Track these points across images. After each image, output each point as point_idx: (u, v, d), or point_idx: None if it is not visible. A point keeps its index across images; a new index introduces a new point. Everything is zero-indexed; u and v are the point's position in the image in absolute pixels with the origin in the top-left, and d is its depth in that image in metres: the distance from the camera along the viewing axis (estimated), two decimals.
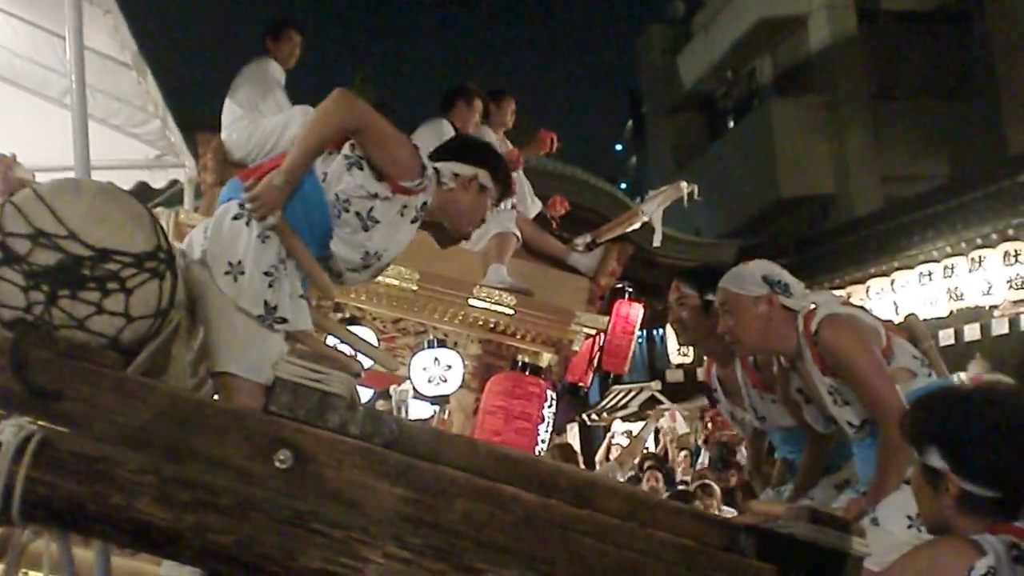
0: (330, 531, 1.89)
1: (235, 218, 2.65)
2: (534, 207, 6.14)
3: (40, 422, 1.90)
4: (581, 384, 6.27)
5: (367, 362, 4.87)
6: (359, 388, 2.49)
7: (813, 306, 3.11)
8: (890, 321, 3.31)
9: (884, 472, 2.95)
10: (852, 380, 3.00)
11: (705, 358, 4.26)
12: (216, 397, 2.63)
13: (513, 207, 5.84)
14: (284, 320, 2.66)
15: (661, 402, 14.64)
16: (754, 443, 4.02)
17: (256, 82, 5.64)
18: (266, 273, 2.62)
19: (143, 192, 6.64)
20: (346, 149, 2.76)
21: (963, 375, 5.72)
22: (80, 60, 3.87)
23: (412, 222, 2.89)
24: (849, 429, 3.10)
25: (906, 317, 3.56)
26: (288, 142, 5.06)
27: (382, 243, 2.83)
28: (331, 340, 3.36)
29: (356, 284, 3.43)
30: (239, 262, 2.60)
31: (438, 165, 2.97)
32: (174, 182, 7.02)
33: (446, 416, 5.37)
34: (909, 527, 2.77)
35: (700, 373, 15.34)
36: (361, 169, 2.74)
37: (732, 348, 3.38)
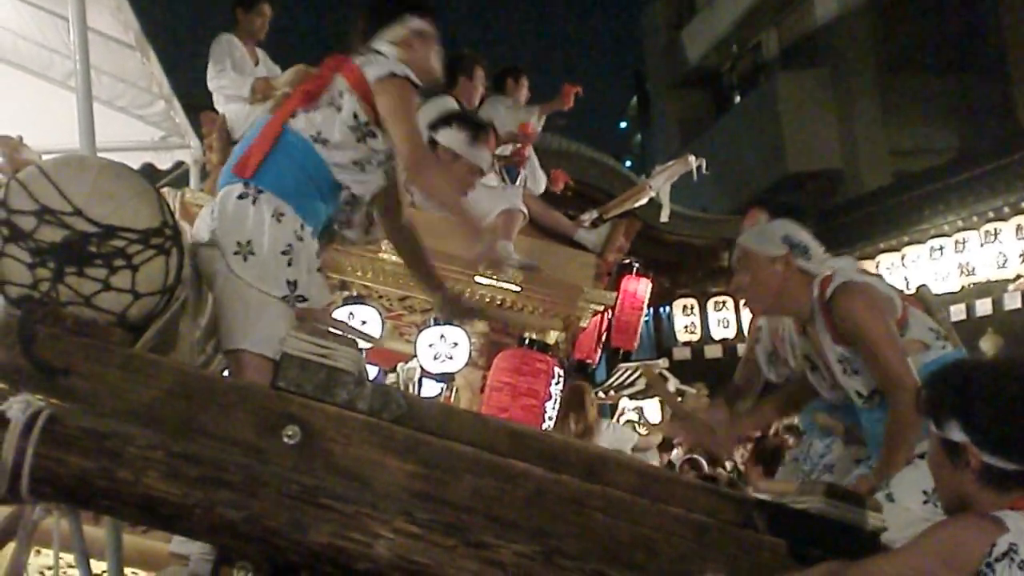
0: (339, 506, 1.89)
1: (240, 197, 2.63)
2: (542, 182, 6.11)
3: (48, 399, 1.90)
4: (589, 361, 6.26)
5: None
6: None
7: (830, 272, 3.08)
8: (903, 291, 3.26)
9: (894, 446, 2.93)
10: (864, 350, 2.97)
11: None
12: (226, 373, 2.62)
13: (525, 184, 5.83)
14: (305, 299, 2.65)
15: (668, 380, 14.63)
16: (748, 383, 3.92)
17: (215, 59, 5.63)
18: (283, 252, 2.61)
19: (149, 173, 6.63)
20: (349, 120, 2.76)
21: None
22: (84, 41, 3.86)
23: None
24: (857, 399, 3.07)
25: (918, 288, 3.52)
26: None
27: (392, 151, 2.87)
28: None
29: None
30: (248, 242, 2.58)
31: (373, 46, 2.93)
32: (180, 163, 7.01)
33: (452, 394, 5.36)
34: (925, 502, 2.74)
35: (707, 351, 15.39)
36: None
37: (745, 306, 3.34)
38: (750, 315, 3.48)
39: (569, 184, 6.50)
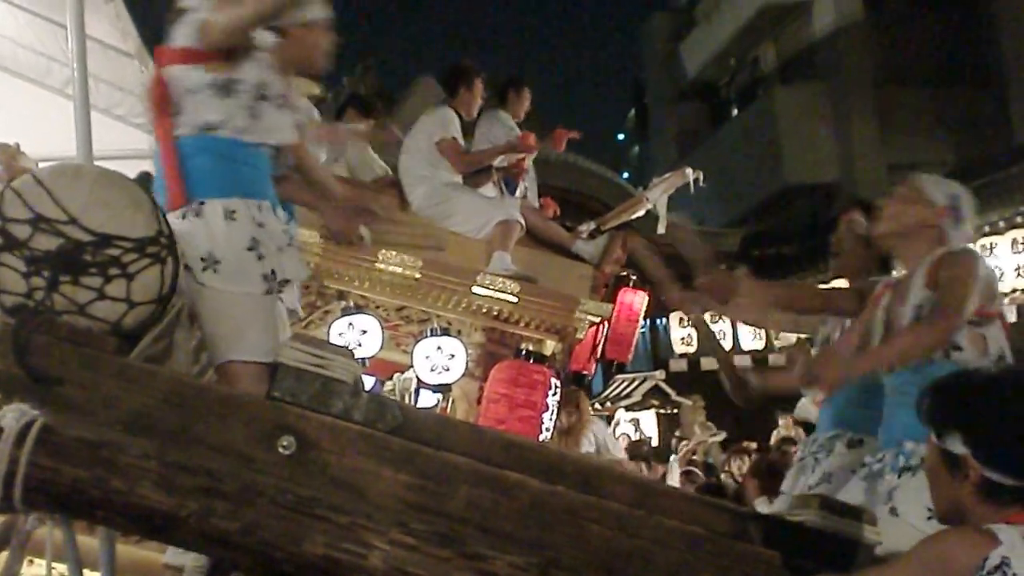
0: (334, 517, 1.88)
1: (183, 218, 2.56)
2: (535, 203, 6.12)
3: (42, 408, 1.89)
4: (585, 372, 6.26)
5: (372, 350, 4.88)
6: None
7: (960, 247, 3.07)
8: None
9: (898, 339, 2.94)
10: (945, 284, 2.95)
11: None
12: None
13: (525, 195, 5.83)
14: (286, 280, 2.63)
15: (666, 392, 14.61)
16: None
17: None
18: (249, 248, 2.56)
19: (146, 182, 6.58)
20: (206, 88, 2.65)
21: None
22: (82, 49, 3.85)
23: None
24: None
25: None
26: None
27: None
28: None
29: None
30: (209, 254, 2.52)
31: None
32: None
33: (449, 405, 5.35)
34: (929, 518, 2.72)
35: (704, 363, 15.38)
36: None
37: (874, 228, 3.30)
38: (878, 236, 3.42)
39: (557, 213, 6.50)
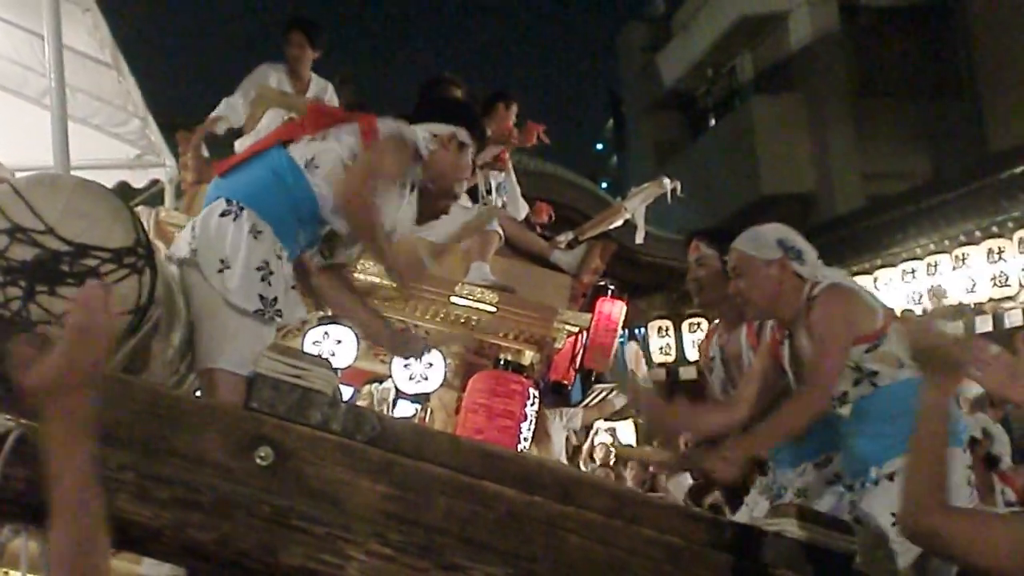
0: (311, 528, 1.87)
1: (222, 215, 2.64)
2: (522, 207, 6.12)
3: (18, 418, 1.87)
4: (565, 382, 6.27)
5: (347, 360, 4.87)
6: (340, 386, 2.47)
7: (821, 278, 3.10)
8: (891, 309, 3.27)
9: (776, 423, 3.00)
10: (814, 341, 3.01)
11: (706, 327, 4.15)
12: (198, 393, 2.60)
13: (504, 205, 5.84)
14: (280, 314, 2.66)
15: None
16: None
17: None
18: (258, 268, 2.61)
19: (124, 192, 6.60)
20: (346, 156, 2.78)
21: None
22: (59, 59, 3.85)
23: (410, 191, 2.98)
24: (833, 404, 3.07)
25: (902, 312, 3.55)
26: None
27: (389, 222, 2.89)
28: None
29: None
30: (226, 258, 2.59)
31: (416, 128, 3.00)
32: (155, 182, 6.98)
33: (427, 415, 5.35)
34: (894, 524, 2.77)
35: (682, 372, 15.42)
36: None
37: (743, 311, 3.33)
38: (747, 321, 3.45)
39: (552, 218, 6.52)
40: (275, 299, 2.62)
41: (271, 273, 2.63)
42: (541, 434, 6.17)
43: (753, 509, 3.50)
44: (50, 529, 1.41)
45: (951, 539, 2.01)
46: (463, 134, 3.07)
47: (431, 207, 3.14)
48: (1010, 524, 2.00)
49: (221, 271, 2.57)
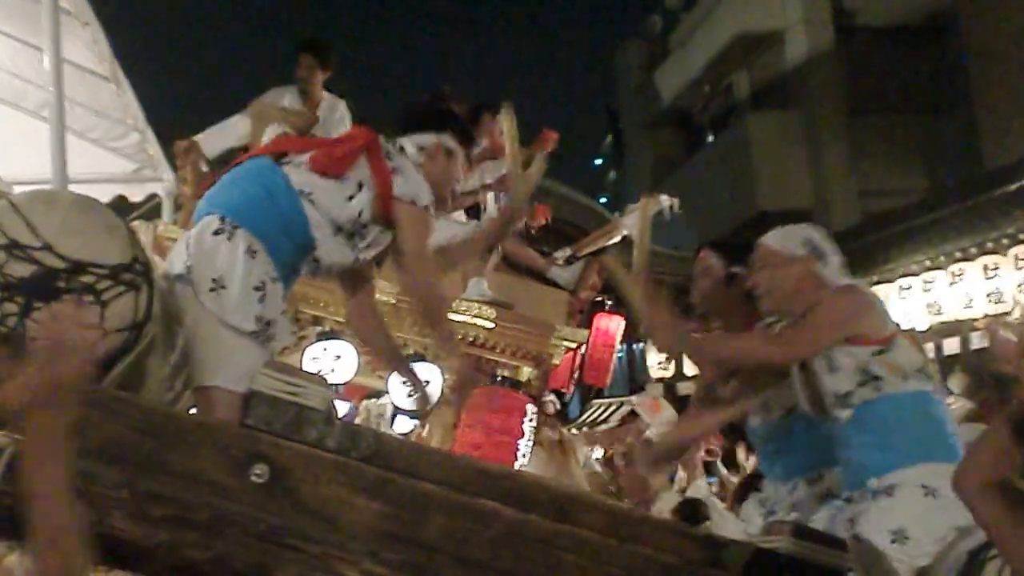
0: (306, 547, 1.87)
1: (215, 233, 2.60)
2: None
3: (13, 435, 1.87)
4: (564, 391, 6.28)
5: (346, 375, 4.87)
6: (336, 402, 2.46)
7: (843, 282, 3.11)
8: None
9: (731, 339, 3.15)
10: (810, 314, 3.03)
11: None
12: (194, 411, 2.59)
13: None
14: (273, 337, 2.62)
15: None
16: None
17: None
18: (256, 288, 2.58)
19: (122, 206, 6.60)
20: (353, 213, 2.80)
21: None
22: (58, 72, 3.86)
23: None
24: (834, 404, 3.06)
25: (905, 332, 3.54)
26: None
27: (376, 242, 2.89)
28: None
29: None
30: (220, 276, 2.56)
31: (401, 142, 2.99)
32: (153, 196, 6.98)
33: (425, 431, 5.34)
34: (893, 541, 2.76)
35: (680, 388, 15.40)
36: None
37: (742, 314, 3.33)
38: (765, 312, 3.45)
39: (548, 221, 6.52)
40: (270, 321, 2.60)
41: (266, 295, 2.61)
42: (562, 458, 6.17)
43: (748, 525, 3.49)
44: (31, 547, 1.40)
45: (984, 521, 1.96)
46: (449, 141, 3.06)
47: None
48: None
49: (214, 290, 2.53)
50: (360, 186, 2.79)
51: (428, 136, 3.03)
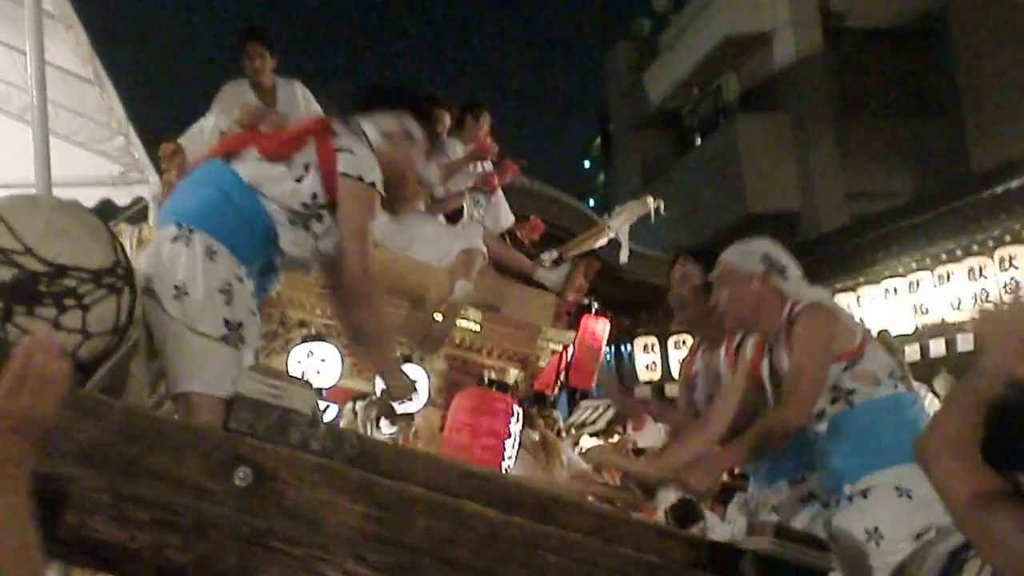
0: (289, 549, 1.87)
1: (173, 240, 2.57)
2: (508, 220, 6.11)
3: None
4: (548, 392, 6.28)
5: (332, 379, 4.87)
6: (323, 404, 2.46)
7: (804, 296, 3.13)
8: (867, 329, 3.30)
9: (759, 435, 3.03)
10: (794, 358, 3.03)
11: (688, 346, 4.16)
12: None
13: (482, 226, 5.85)
14: (243, 340, 2.58)
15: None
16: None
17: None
18: (221, 291, 2.55)
19: (107, 209, 6.58)
20: (305, 196, 2.75)
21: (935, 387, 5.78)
22: (41, 76, 3.84)
23: None
24: (817, 419, 3.08)
25: (879, 333, 3.57)
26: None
27: (333, 230, 2.82)
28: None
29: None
30: (182, 283, 2.51)
31: (363, 124, 2.92)
32: (139, 198, 6.95)
33: (412, 433, 5.34)
34: (868, 541, 2.79)
35: (668, 389, 15.44)
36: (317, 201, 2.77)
37: (723, 323, 3.35)
38: (727, 331, 3.46)
39: (542, 232, 6.52)
40: (240, 323, 2.56)
41: (233, 296, 2.57)
42: (551, 459, 6.17)
43: (733, 526, 3.52)
44: None
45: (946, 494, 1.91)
46: (407, 120, 2.99)
47: (393, 205, 3.03)
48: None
49: (177, 297, 2.49)
50: (307, 167, 2.74)
51: (389, 120, 2.96)
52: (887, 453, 2.89)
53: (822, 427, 3.07)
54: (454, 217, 5.70)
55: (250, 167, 2.72)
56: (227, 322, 2.53)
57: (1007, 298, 10.98)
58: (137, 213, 6.89)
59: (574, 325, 5.93)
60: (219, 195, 2.66)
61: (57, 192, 3.59)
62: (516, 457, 5.05)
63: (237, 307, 2.57)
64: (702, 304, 3.52)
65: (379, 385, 4.90)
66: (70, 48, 5.01)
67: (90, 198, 6.36)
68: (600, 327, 6.16)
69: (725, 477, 7.89)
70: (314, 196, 2.74)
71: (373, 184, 2.79)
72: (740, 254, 3.24)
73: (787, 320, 3.11)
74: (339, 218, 2.77)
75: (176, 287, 2.49)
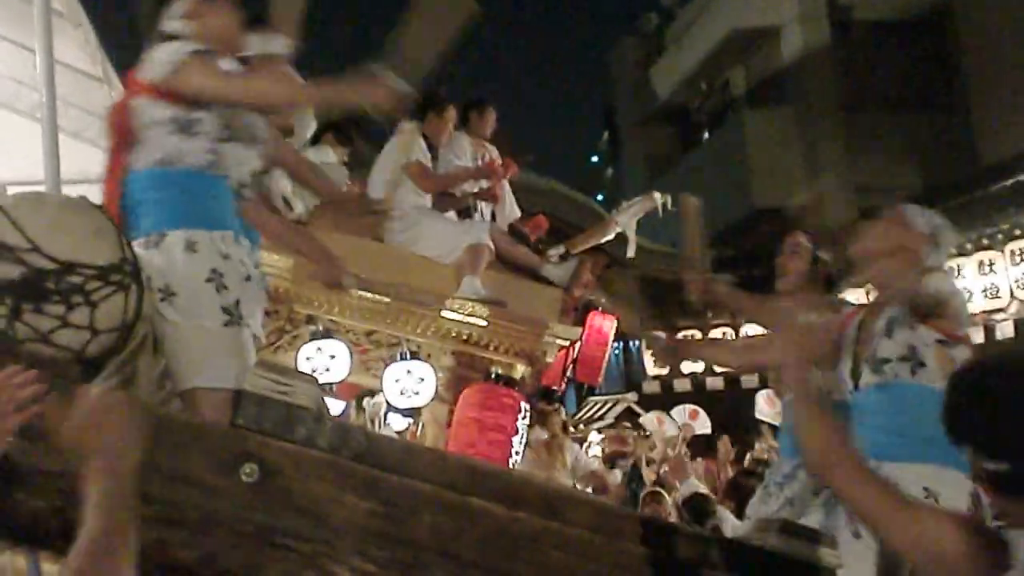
0: (295, 545, 1.88)
1: (145, 250, 2.53)
2: (513, 214, 6.12)
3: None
4: (555, 388, 6.28)
5: (340, 375, 4.88)
6: (329, 400, 2.45)
7: (937, 278, 3.14)
8: None
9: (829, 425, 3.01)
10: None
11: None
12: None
13: (493, 218, 5.85)
14: (243, 317, 2.57)
15: (638, 414, 14.63)
16: None
17: None
18: (208, 280, 2.53)
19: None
20: (169, 126, 2.66)
21: None
22: (50, 73, 3.85)
23: None
24: (869, 365, 3.09)
25: None
26: None
27: (251, 132, 2.79)
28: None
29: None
30: (166, 285, 2.51)
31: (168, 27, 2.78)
32: None
33: (419, 429, 5.35)
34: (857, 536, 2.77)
35: (677, 384, 15.44)
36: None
37: (856, 268, 3.34)
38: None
39: (544, 230, 6.51)
40: (237, 301, 2.55)
41: (222, 275, 2.55)
42: (549, 457, 6.18)
43: (753, 518, 3.52)
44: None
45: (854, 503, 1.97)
46: None
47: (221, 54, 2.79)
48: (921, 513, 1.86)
49: (164, 299, 2.48)
50: (148, 110, 2.65)
51: (179, 1, 2.79)
52: (925, 447, 2.83)
53: (874, 380, 3.04)
54: (463, 214, 5.71)
55: (140, 158, 2.67)
56: (224, 309, 2.53)
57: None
58: None
59: (581, 321, 5.92)
60: (152, 193, 2.62)
61: (66, 189, 3.60)
62: (523, 455, 5.06)
63: (231, 287, 2.56)
64: (804, 277, 3.78)
65: (387, 382, 4.91)
66: (79, 46, 5.02)
67: (99, 195, 6.36)
68: (607, 323, 6.15)
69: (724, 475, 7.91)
70: (173, 120, 2.65)
71: (181, 62, 2.64)
72: (916, 211, 3.25)
73: (910, 295, 3.08)
74: (198, 96, 2.66)
75: (160, 290, 2.48)
